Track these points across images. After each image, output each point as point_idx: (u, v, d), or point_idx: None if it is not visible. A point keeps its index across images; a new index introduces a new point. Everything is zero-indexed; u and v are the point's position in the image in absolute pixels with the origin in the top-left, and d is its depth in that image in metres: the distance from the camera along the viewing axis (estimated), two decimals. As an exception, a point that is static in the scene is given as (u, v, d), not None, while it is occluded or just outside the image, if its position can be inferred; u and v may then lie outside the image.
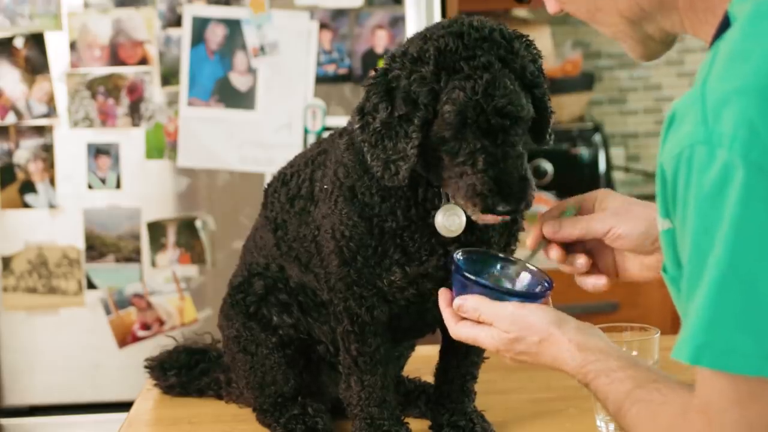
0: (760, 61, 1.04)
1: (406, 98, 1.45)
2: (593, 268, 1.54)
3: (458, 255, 1.48)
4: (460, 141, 1.43)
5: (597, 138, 3.41)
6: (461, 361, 1.69)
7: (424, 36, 1.49)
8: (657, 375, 1.22)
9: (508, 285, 1.50)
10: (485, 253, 1.52)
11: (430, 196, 1.53)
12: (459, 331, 1.42)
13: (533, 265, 1.52)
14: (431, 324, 1.71)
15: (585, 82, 3.54)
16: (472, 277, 1.43)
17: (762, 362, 1.02)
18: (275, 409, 1.75)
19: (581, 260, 1.52)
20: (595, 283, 1.54)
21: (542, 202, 3.26)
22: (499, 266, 1.52)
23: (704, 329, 1.05)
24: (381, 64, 1.54)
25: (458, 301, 1.42)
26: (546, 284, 1.46)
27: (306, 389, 1.75)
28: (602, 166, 3.39)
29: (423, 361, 1.84)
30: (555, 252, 1.52)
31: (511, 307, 1.38)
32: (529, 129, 1.50)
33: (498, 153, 1.42)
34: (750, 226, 1.02)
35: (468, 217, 1.51)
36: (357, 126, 1.50)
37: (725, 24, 1.13)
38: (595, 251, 1.54)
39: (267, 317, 1.75)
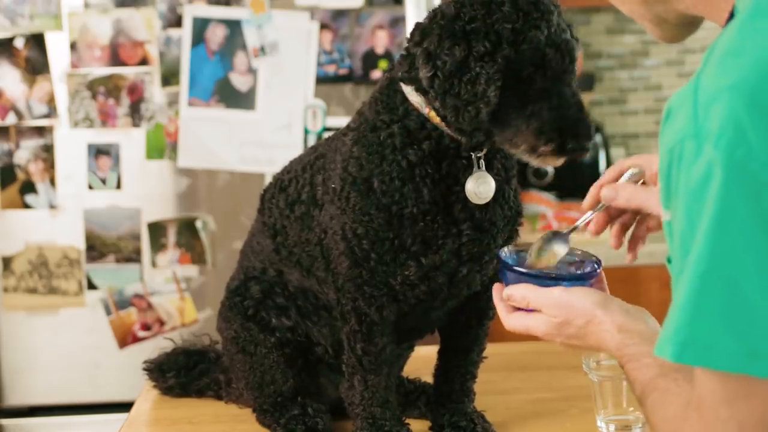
0: (752, 59, 1.04)
1: (488, 37, 1.44)
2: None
3: (504, 252, 1.49)
4: (532, 81, 1.45)
5: (597, 138, 3.41)
6: (461, 360, 1.70)
7: None
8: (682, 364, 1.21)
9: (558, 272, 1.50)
10: (526, 245, 1.53)
11: (454, 171, 1.54)
12: (511, 321, 1.43)
13: (578, 249, 1.52)
14: (433, 324, 1.71)
15: (585, 82, 3.54)
16: (519, 269, 1.44)
17: (745, 360, 1.02)
18: (275, 410, 1.75)
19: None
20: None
21: (542, 202, 3.26)
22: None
23: (686, 326, 1.05)
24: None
25: (508, 290, 1.43)
26: (595, 264, 1.47)
27: (304, 390, 1.75)
28: (603, 166, 3.39)
29: (423, 361, 1.84)
30: (594, 226, 1.54)
31: (557, 291, 1.39)
32: None
33: (567, 93, 1.46)
34: (729, 224, 1.01)
35: (473, 218, 1.53)
36: (425, 73, 1.47)
37: (732, 17, 1.12)
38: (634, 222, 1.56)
39: (266, 319, 1.75)
